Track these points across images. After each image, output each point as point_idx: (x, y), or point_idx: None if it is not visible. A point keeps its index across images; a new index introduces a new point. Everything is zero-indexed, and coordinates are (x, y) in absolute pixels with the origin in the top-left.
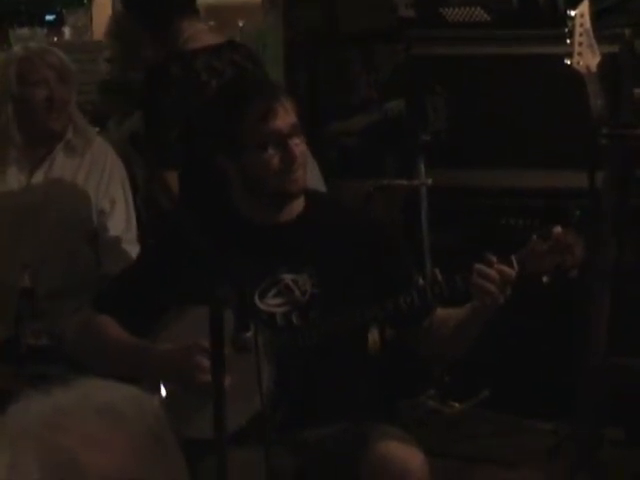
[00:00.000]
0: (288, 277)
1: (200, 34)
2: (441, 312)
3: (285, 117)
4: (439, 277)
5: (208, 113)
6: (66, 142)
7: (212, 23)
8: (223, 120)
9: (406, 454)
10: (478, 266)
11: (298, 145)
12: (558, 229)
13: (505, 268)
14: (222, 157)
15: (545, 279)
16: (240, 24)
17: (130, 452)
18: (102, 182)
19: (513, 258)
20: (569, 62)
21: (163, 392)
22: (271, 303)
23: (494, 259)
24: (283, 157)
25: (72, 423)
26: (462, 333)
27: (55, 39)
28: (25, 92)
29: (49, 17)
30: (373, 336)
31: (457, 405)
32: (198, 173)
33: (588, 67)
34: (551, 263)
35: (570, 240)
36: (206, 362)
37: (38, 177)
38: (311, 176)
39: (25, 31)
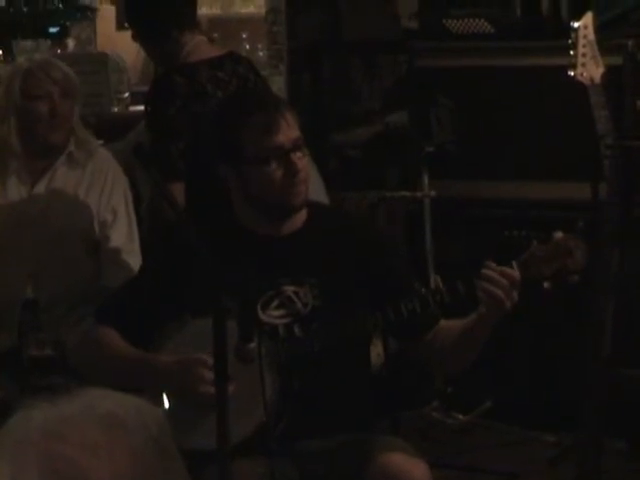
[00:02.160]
0: (290, 289)
1: (201, 46)
2: (445, 323)
3: (287, 131)
4: (440, 284)
5: (211, 125)
6: (68, 154)
7: (216, 35)
8: (225, 133)
9: (409, 465)
10: (485, 271)
11: (300, 159)
12: (559, 234)
13: (510, 270)
14: (224, 170)
15: (546, 284)
16: (244, 36)
17: (132, 462)
18: (104, 193)
19: (514, 263)
20: (572, 73)
21: (166, 403)
22: (273, 315)
23: (494, 265)
24: (285, 171)
25: (74, 432)
26: (467, 343)
27: (59, 51)
28: (28, 106)
29: (53, 29)
30: (377, 348)
31: (460, 416)
32: (201, 185)
33: (592, 78)
34: (552, 268)
35: (571, 245)
36: (209, 374)
37: (39, 188)
38: (314, 188)
39: (29, 43)
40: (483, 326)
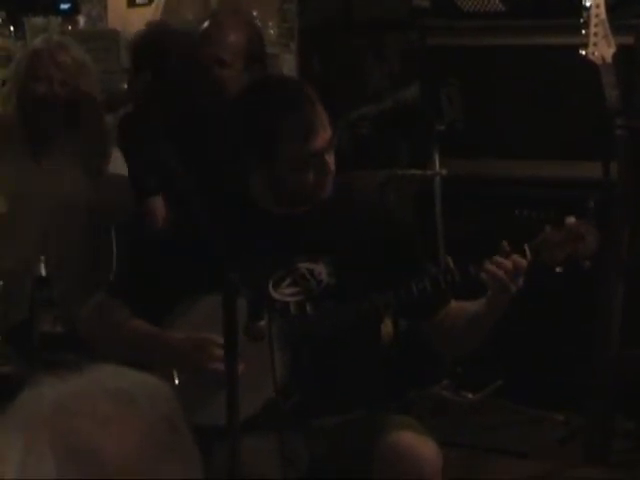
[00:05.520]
0: (304, 266)
1: None
2: (456, 304)
3: (324, 134)
4: (452, 265)
5: (236, 123)
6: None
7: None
8: (259, 136)
9: (419, 444)
10: (492, 258)
11: (331, 156)
12: (571, 220)
13: (518, 258)
14: (252, 166)
15: (559, 269)
16: (254, 13)
17: (143, 437)
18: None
19: (526, 247)
20: (584, 52)
21: (176, 380)
22: (285, 292)
23: (508, 248)
24: (318, 172)
25: (85, 407)
26: (476, 325)
27: (70, 28)
28: (28, 86)
29: (64, 6)
30: (387, 327)
31: (470, 396)
32: (218, 169)
33: (603, 57)
34: (564, 253)
35: (583, 230)
36: (219, 352)
37: (46, 163)
38: None
39: (40, 20)
40: (491, 309)
